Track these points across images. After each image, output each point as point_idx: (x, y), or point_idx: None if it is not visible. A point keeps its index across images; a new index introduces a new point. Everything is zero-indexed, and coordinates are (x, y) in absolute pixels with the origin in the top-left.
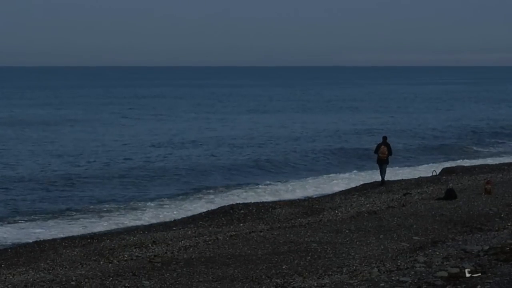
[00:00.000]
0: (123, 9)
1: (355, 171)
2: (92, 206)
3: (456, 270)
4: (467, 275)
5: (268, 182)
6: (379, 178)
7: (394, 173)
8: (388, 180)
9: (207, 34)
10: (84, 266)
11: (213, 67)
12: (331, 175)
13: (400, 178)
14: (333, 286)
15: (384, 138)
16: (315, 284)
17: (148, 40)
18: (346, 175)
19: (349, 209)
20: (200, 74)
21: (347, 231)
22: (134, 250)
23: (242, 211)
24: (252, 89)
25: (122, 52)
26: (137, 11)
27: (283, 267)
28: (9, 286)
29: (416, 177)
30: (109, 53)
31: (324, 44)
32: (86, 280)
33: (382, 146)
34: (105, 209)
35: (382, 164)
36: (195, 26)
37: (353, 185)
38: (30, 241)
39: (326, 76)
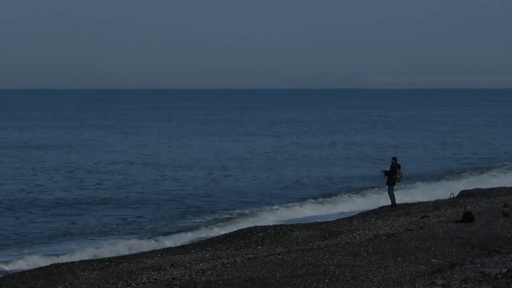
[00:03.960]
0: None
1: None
2: (108, 229)
3: None
4: None
5: (284, 204)
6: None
7: (411, 196)
8: (406, 203)
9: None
10: None
11: (228, 90)
12: (345, 195)
13: (418, 201)
14: None
15: (396, 159)
16: None
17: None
18: (362, 198)
19: (367, 231)
20: (209, 96)
21: (365, 253)
22: (152, 273)
23: (260, 233)
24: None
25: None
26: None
27: None
28: None
29: (434, 199)
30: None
31: (339, 66)
32: None
33: (399, 170)
34: (122, 232)
35: (394, 186)
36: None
37: (370, 207)
38: (48, 264)
39: (346, 98)
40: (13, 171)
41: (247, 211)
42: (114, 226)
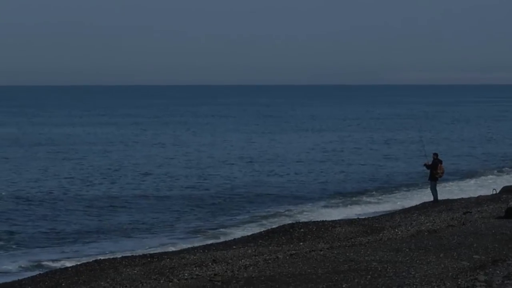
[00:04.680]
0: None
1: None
2: (150, 226)
3: None
4: None
5: (326, 200)
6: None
7: (454, 192)
8: (448, 199)
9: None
10: (145, 285)
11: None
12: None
13: (460, 197)
14: None
15: (437, 154)
16: None
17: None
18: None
19: (409, 227)
20: (241, 92)
21: (407, 249)
22: (194, 269)
23: (302, 229)
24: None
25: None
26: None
27: (343, 286)
28: None
29: (476, 195)
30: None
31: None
32: None
33: (440, 165)
34: (164, 228)
35: (436, 182)
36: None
37: (413, 203)
38: (90, 260)
39: (374, 94)
40: (53, 168)
41: (289, 208)
42: (156, 222)
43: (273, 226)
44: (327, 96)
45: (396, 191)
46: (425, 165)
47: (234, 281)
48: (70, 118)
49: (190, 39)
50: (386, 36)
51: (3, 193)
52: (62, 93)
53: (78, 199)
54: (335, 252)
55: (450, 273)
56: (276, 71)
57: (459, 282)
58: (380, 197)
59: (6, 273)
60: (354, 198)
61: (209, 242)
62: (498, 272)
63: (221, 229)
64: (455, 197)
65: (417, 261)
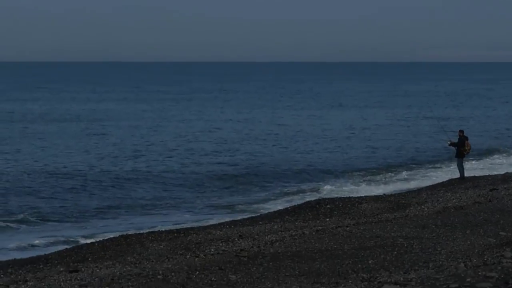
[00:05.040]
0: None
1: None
2: (177, 202)
3: None
4: None
5: (353, 177)
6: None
7: (480, 169)
8: (474, 176)
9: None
10: (171, 260)
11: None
12: (420, 170)
13: (487, 174)
14: (419, 281)
15: (463, 132)
16: (401, 279)
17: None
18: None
19: (436, 204)
20: (289, 69)
21: (433, 226)
22: (221, 244)
23: (328, 206)
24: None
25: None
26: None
27: (369, 262)
28: (96, 279)
29: (502, 172)
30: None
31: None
32: (173, 273)
33: (467, 142)
34: (190, 204)
35: (463, 159)
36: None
37: (439, 180)
38: (117, 235)
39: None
40: (80, 144)
41: (315, 184)
42: (182, 198)
43: (299, 202)
44: (358, 73)
45: (423, 168)
46: (449, 144)
47: (260, 257)
48: (96, 94)
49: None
50: (421, 15)
51: (30, 169)
52: (86, 69)
53: (105, 174)
54: (361, 228)
55: (477, 250)
56: (309, 48)
57: (485, 259)
58: (406, 174)
59: (33, 247)
60: (380, 175)
61: (236, 217)
62: None
63: (248, 205)
64: (482, 174)
65: (443, 238)
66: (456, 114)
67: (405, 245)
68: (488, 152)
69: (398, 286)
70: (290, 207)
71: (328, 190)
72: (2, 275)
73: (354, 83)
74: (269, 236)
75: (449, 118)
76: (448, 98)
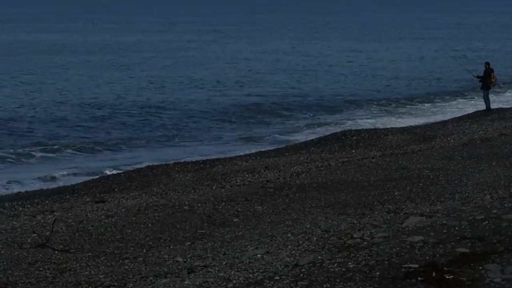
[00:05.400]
0: None
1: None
2: (204, 133)
3: None
4: None
5: (378, 108)
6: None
7: (506, 101)
8: (500, 108)
9: None
10: (197, 191)
11: None
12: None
13: None
14: (445, 212)
15: (489, 64)
16: (427, 211)
17: None
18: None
19: (462, 136)
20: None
21: (459, 158)
22: (247, 175)
23: (354, 137)
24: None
25: None
26: None
27: (395, 193)
28: (122, 209)
29: None
30: None
31: None
32: (199, 204)
33: (493, 74)
34: (216, 135)
35: (489, 91)
36: None
37: (465, 112)
38: (143, 166)
39: None
40: (106, 75)
41: (341, 115)
42: (208, 130)
43: (326, 134)
44: (386, 3)
45: (448, 100)
46: (475, 77)
47: (286, 188)
48: (122, 24)
49: None
50: None
51: (55, 100)
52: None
53: (130, 106)
54: (387, 159)
55: (503, 182)
56: None
57: (511, 190)
58: (432, 105)
59: (59, 178)
60: (406, 106)
61: (262, 149)
62: None
63: (274, 136)
64: (508, 106)
65: (469, 169)
66: (491, 46)
67: (431, 177)
68: None
69: (424, 217)
70: (316, 138)
71: (354, 122)
72: (29, 206)
73: (381, 13)
74: (295, 167)
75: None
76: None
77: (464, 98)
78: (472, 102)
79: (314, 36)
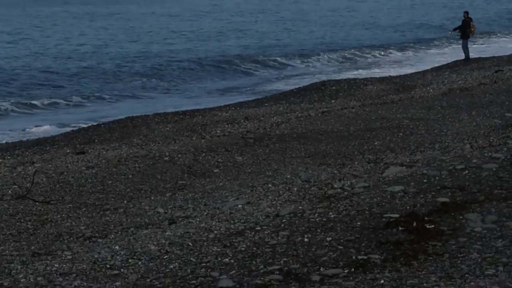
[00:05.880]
0: None
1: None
2: (180, 87)
3: None
4: None
5: (357, 57)
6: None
7: (485, 50)
8: (479, 57)
9: None
10: (177, 141)
11: None
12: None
13: (492, 55)
14: (425, 162)
15: (467, 13)
16: (408, 160)
17: None
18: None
19: (441, 85)
20: None
21: (439, 107)
22: (226, 126)
23: (333, 87)
24: None
25: None
26: None
27: (375, 143)
28: (103, 161)
29: (508, 54)
30: None
31: None
32: (179, 155)
33: (472, 23)
34: (194, 88)
35: (467, 40)
36: None
37: (444, 61)
38: (123, 117)
39: None
40: (90, 28)
41: (321, 65)
42: (186, 82)
43: (305, 84)
44: None
45: (428, 49)
46: (452, 31)
47: (266, 138)
48: None
49: None
50: None
51: (34, 52)
52: None
53: (108, 58)
54: (367, 109)
55: (482, 131)
56: None
57: (491, 140)
58: (411, 54)
59: (39, 129)
60: (382, 53)
61: (241, 99)
62: None
63: (252, 86)
64: (487, 56)
65: (449, 119)
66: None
67: (411, 127)
68: (493, 33)
69: (404, 167)
70: (295, 88)
71: (331, 72)
72: (9, 157)
73: None
74: (275, 117)
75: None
76: None
77: (442, 47)
78: (451, 51)
79: None
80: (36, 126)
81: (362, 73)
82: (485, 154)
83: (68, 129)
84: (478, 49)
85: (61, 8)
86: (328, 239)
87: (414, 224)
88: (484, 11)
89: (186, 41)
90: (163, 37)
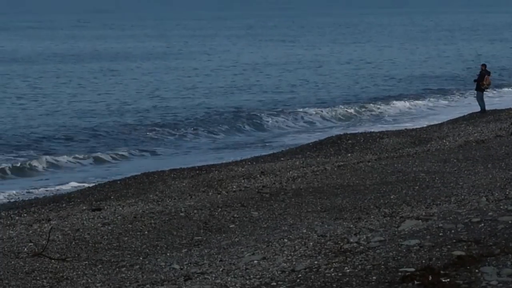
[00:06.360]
0: None
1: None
2: (195, 142)
3: None
4: None
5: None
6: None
7: (502, 102)
8: (495, 109)
9: None
10: (193, 197)
11: None
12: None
13: (508, 107)
14: (441, 215)
15: (485, 66)
16: (423, 214)
17: None
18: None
19: (457, 138)
20: None
21: (455, 160)
22: (243, 181)
23: (349, 141)
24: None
25: None
26: None
27: (391, 196)
28: (118, 217)
29: None
30: None
31: None
32: (195, 211)
33: (487, 76)
34: (211, 142)
35: (483, 93)
36: None
37: (460, 114)
38: (139, 173)
39: None
40: (99, 84)
41: (336, 120)
42: (202, 137)
43: (321, 138)
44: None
45: (444, 100)
46: (474, 80)
47: (282, 193)
48: (113, 31)
49: None
50: None
51: (49, 110)
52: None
53: (122, 114)
54: (383, 163)
55: (498, 184)
56: None
57: (507, 192)
58: (427, 107)
59: (56, 186)
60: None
61: (257, 154)
62: None
63: (270, 142)
64: (503, 108)
65: (465, 172)
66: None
67: (427, 180)
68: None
69: (420, 220)
70: (311, 142)
71: (349, 126)
72: (25, 214)
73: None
74: (291, 172)
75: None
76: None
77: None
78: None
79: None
80: (52, 183)
81: (378, 126)
82: (501, 207)
83: (84, 186)
84: (494, 101)
85: (75, 64)
86: None
87: (430, 278)
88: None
89: (200, 95)
90: (174, 93)
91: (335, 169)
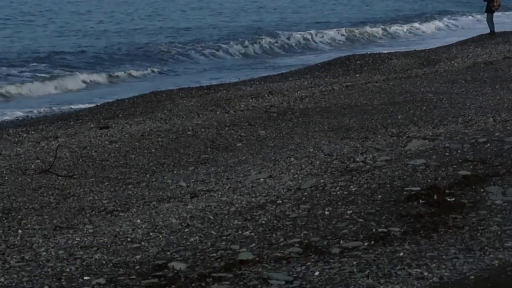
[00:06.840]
0: None
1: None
2: (204, 57)
3: None
4: None
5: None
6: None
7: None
8: (505, 31)
9: None
10: (201, 116)
11: None
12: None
13: None
14: (448, 135)
15: None
16: (430, 134)
17: None
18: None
19: (465, 59)
20: None
21: (463, 81)
22: (251, 100)
23: (358, 61)
24: None
25: None
26: None
27: (399, 117)
28: (126, 135)
29: None
30: None
31: None
32: (203, 129)
33: None
34: (219, 61)
35: (492, 15)
36: None
37: (469, 35)
38: (147, 91)
39: None
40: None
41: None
42: (212, 52)
43: (329, 59)
44: None
45: (454, 21)
46: (484, 0)
47: (290, 112)
48: None
49: None
50: None
51: (63, 28)
52: None
53: (131, 34)
54: (391, 83)
55: (506, 105)
56: None
57: None
58: (436, 27)
59: (63, 103)
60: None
61: (266, 74)
62: None
63: (276, 59)
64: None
65: (473, 93)
66: None
67: (435, 100)
68: None
69: (426, 140)
70: (320, 63)
71: (358, 43)
72: (33, 132)
73: None
74: (298, 92)
75: None
76: None
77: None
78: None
79: None
80: (60, 100)
81: (387, 47)
82: (508, 128)
83: (92, 104)
84: (505, 22)
85: None
86: (349, 212)
87: (435, 197)
88: None
89: (211, 17)
90: (187, 13)
91: (343, 89)
